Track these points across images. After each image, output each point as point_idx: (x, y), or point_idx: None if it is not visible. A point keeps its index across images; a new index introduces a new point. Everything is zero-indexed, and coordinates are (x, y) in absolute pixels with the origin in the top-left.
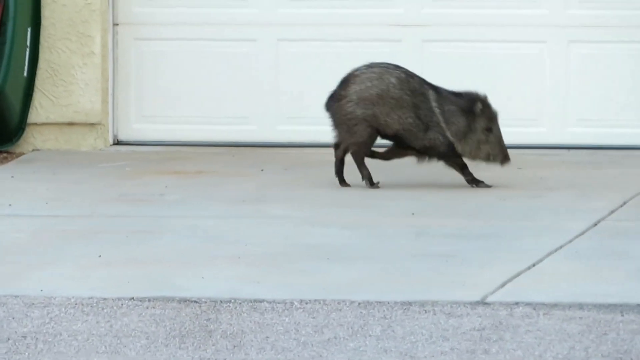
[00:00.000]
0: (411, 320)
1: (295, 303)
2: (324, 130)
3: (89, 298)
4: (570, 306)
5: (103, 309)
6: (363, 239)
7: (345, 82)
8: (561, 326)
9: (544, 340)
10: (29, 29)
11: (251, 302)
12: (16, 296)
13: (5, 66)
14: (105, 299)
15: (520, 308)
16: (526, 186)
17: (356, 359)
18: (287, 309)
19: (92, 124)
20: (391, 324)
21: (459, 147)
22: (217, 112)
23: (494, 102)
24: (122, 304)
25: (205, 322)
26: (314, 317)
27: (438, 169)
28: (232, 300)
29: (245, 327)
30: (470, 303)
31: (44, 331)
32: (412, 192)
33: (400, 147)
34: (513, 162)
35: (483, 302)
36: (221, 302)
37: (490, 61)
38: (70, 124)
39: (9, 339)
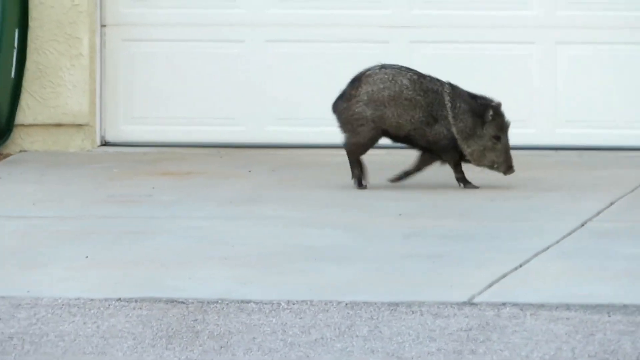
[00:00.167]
0: (398, 321)
1: (283, 304)
2: (314, 131)
3: (76, 299)
4: (557, 307)
5: (90, 309)
6: (351, 240)
7: (357, 82)
8: (548, 327)
9: (531, 340)
10: (17, 30)
11: (238, 302)
12: (3, 297)
13: None
14: (92, 299)
15: (508, 308)
16: (515, 187)
17: None
18: (274, 310)
19: (79, 125)
20: (378, 325)
21: (462, 147)
22: (205, 113)
23: None
24: (109, 305)
25: (192, 322)
26: (301, 318)
27: (429, 170)
28: (220, 301)
29: (232, 328)
30: (458, 303)
31: (31, 332)
32: (402, 193)
33: (427, 155)
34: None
35: (470, 303)
36: (208, 302)
37: (479, 62)
38: (58, 125)
39: None
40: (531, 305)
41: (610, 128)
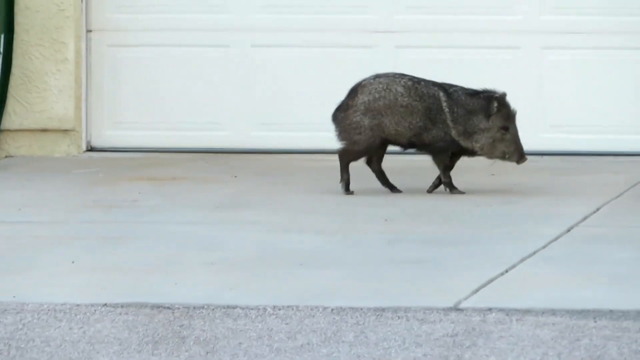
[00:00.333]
0: (384, 327)
1: (269, 309)
2: (299, 137)
3: (62, 304)
4: (543, 312)
5: (76, 315)
6: (337, 245)
7: (354, 93)
8: (534, 332)
9: (517, 346)
10: (2, 35)
11: (224, 308)
12: None
13: None
14: (78, 305)
15: (494, 314)
16: (500, 192)
17: None
18: (260, 315)
19: (65, 131)
20: (364, 330)
21: (469, 146)
22: (190, 118)
23: None
24: (95, 310)
25: (178, 328)
26: (287, 323)
27: (412, 176)
28: (206, 306)
29: (218, 333)
30: (444, 309)
31: (17, 337)
32: (387, 198)
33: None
34: (487, 168)
35: (456, 308)
36: (194, 308)
37: (464, 67)
38: (44, 130)
39: None
40: (517, 310)
41: (595, 133)
